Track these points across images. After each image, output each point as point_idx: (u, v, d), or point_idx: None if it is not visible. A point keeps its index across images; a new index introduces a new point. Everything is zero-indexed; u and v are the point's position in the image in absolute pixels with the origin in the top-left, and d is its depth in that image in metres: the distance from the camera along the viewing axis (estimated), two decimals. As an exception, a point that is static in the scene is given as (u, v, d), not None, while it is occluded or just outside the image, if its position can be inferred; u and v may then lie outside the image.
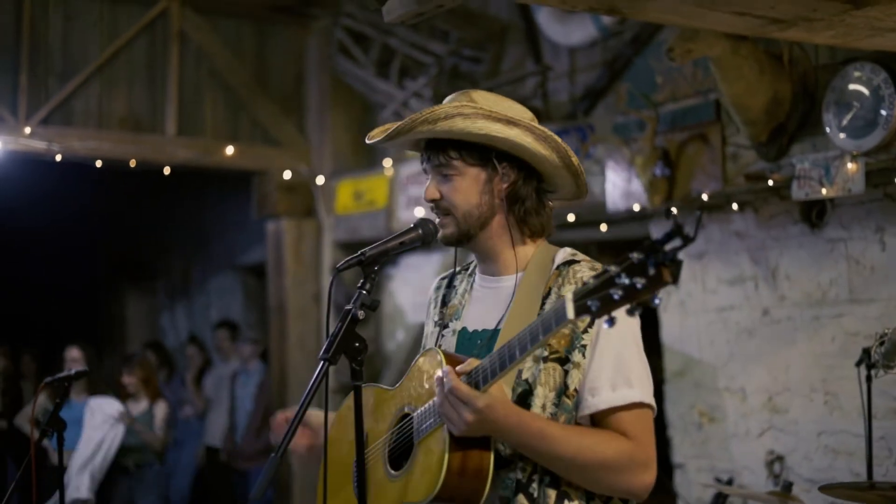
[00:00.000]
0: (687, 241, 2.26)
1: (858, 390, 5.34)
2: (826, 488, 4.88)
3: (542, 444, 2.80)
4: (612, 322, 2.36)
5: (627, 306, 2.32)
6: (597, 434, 2.88)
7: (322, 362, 2.82)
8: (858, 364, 5.31)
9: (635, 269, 2.29)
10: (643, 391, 2.91)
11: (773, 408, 6.76)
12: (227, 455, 10.80)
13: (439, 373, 2.74)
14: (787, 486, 5.42)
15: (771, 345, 6.78)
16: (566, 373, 2.92)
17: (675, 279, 2.26)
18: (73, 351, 9.33)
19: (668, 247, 2.27)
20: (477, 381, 2.83)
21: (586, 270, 3.00)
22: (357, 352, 2.87)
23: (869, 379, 5.27)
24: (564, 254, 3.08)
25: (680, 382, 7.39)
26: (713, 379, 7.14)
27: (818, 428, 6.50)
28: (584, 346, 2.90)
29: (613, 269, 2.34)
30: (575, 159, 3.11)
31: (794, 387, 6.63)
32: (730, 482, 6.82)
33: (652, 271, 2.26)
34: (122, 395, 9.64)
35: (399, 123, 3.07)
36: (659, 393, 7.40)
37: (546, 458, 2.84)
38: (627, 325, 2.93)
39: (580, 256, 3.08)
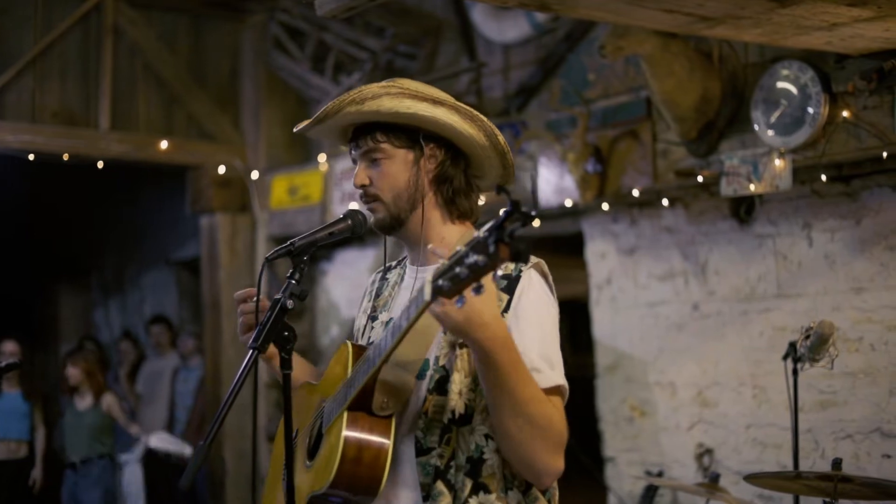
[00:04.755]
0: (526, 219, 2.29)
1: (786, 384, 5.41)
2: (752, 478, 4.95)
3: (514, 374, 2.70)
4: (462, 301, 2.41)
5: (474, 285, 2.36)
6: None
7: (251, 351, 2.84)
8: (785, 358, 5.37)
9: (479, 247, 2.33)
10: (561, 374, 2.89)
11: (702, 401, 6.83)
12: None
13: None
14: (715, 478, 5.50)
15: (700, 339, 6.86)
16: None
17: (517, 257, 2.30)
18: (8, 344, 9.36)
19: (510, 225, 2.29)
20: (366, 367, 2.90)
21: None
22: (286, 341, 2.88)
23: (795, 372, 5.33)
24: None
25: (611, 377, 7.45)
26: (644, 373, 7.20)
27: (746, 421, 6.58)
28: None
29: (462, 248, 2.37)
30: (501, 138, 3.11)
31: (723, 380, 6.71)
32: (660, 475, 6.89)
33: (492, 249, 2.29)
34: (64, 388, 9.63)
35: (327, 106, 3.07)
36: (590, 388, 7.50)
37: (505, 392, 2.72)
38: (544, 308, 2.96)
39: None
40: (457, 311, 2.55)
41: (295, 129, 3.24)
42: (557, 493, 3.12)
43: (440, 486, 2.92)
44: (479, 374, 2.77)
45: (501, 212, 2.30)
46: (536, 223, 7.67)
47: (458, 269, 2.37)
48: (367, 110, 3.03)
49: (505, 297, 2.93)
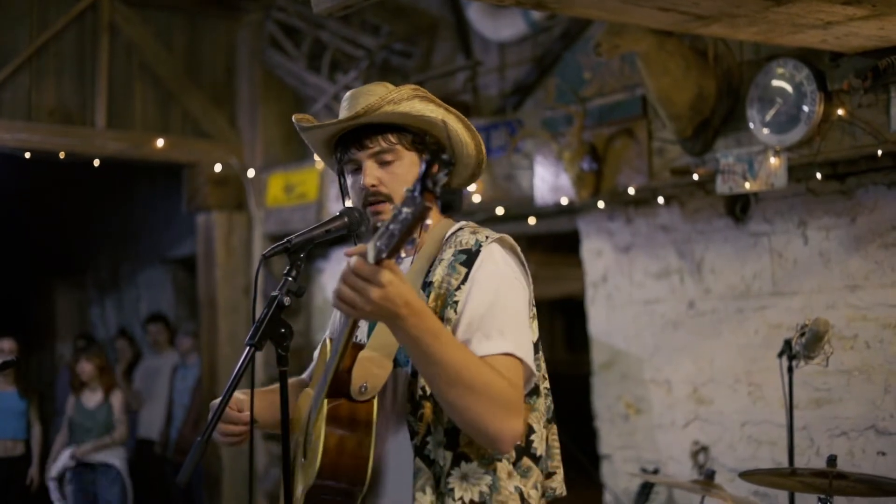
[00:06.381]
0: (447, 164, 2.32)
1: (781, 381, 5.42)
2: (747, 475, 4.96)
3: (436, 343, 2.71)
4: (399, 259, 2.43)
5: (408, 238, 2.39)
6: (484, 361, 2.83)
7: (248, 348, 2.85)
8: (780, 355, 5.39)
9: (408, 201, 2.36)
10: (516, 345, 2.88)
11: (697, 399, 6.85)
12: (162, 448, 10.77)
13: (344, 264, 2.69)
14: (710, 475, 5.49)
15: (696, 337, 6.87)
16: None
17: (448, 207, 2.35)
18: (6, 342, 9.35)
19: (435, 173, 2.33)
20: (333, 353, 2.94)
21: (466, 235, 3.06)
22: (283, 337, 2.89)
23: (790, 370, 5.35)
24: (457, 226, 3.14)
25: (607, 374, 7.46)
26: (639, 371, 7.22)
27: (742, 418, 6.60)
28: (456, 303, 2.92)
29: (395, 207, 2.40)
30: (484, 150, 3.24)
31: (719, 378, 6.72)
32: (655, 472, 6.89)
33: (419, 199, 2.32)
34: (75, 383, 9.62)
35: (366, 104, 3.09)
36: (586, 385, 7.51)
37: (434, 363, 2.73)
38: (503, 285, 2.97)
39: (469, 225, 3.14)
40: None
41: (300, 124, 3.26)
42: (561, 472, 3.15)
43: (418, 462, 2.95)
44: (406, 351, 2.80)
45: (422, 163, 2.34)
46: (532, 221, 7.71)
47: (391, 227, 2.40)
48: (401, 111, 3.08)
49: (463, 270, 2.97)
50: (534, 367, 2.95)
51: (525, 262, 3.12)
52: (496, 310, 2.91)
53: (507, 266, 3.02)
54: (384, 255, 2.44)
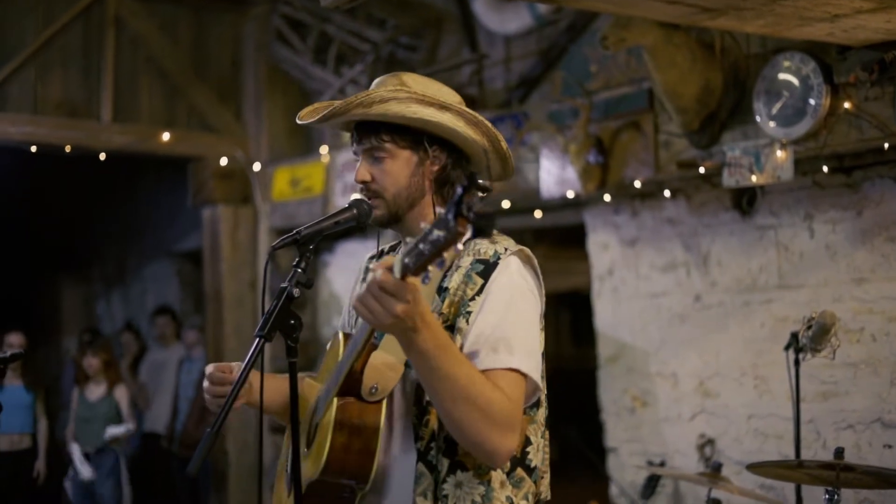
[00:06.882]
0: (485, 191, 2.32)
1: (787, 374, 5.42)
2: (754, 467, 4.96)
3: (443, 357, 2.72)
4: (427, 279, 2.43)
5: (437, 260, 2.38)
6: (488, 379, 2.84)
7: (257, 339, 2.85)
8: (787, 348, 5.39)
9: (440, 223, 2.35)
10: (523, 361, 2.89)
11: (704, 392, 6.85)
12: (168, 442, 10.77)
13: (371, 275, 2.64)
14: (717, 467, 5.50)
15: (702, 330, 6.87)
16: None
17: (480, 232, 2.31)
18: (14, 337, 9.36)
19: (468, 199, 2.31)
20: (349, 351, 2.95)
21: (485, 244, 3.04)
22: (292, 329, 2.89)
23: (797, 363, 5.35)
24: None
25: (613, 368, 7.46)
26: (645, 364, 7.22)
27: (748, 411, 6.60)
28: (469, 313, 2.93)
29: (426, 226, 2.40)
30: (504, 143, 3.17)
31: (725, 371, 6.73)
32: (662, 465, 6.90)
33: (452, 223, 2.31)
34: (80, 377, 9.64)
35: (334, 105, 3.08)
36: (592, 378, 7.52)
37: (440, 378, 2.74)
38: (517, 298, 2.97)
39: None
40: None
41: (298, 121, 3.25)
42: (548, 476, 3.16)
43: (421, 467, 2.97)
44: (413, 363, 2.79)
45: (458, 187, 2.33)
46: (538, 214, 7.71)
47: (421, 246, 2.40)
48: (374, 113, 3.06)
49: (480, 281, 2.98)
50: (539, 383, 2.97)
51: (540, 275, 3.12)
52: (507, 324, 2.91)
53: (522, 279, 3.02)
54: (410, 273, 2.45)
